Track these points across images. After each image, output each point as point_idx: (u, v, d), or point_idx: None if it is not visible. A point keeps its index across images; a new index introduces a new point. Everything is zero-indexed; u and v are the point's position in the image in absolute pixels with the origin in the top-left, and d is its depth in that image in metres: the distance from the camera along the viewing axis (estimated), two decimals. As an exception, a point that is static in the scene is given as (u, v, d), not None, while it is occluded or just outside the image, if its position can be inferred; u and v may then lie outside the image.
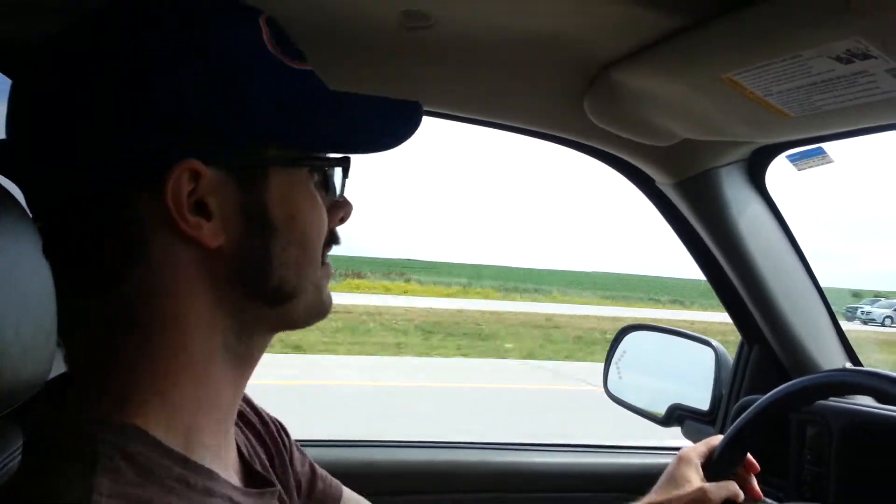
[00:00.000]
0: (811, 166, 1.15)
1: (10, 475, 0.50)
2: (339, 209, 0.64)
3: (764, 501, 0.95)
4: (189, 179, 0.51)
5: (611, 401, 1.67)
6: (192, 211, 0.51)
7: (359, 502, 0.87)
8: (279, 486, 0.65)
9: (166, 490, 0.48)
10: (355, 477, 0.91)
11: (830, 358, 1.30)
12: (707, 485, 0.88)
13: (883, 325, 27.02)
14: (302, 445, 0.83)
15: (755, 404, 0.96)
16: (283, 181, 0.56)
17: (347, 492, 0.85)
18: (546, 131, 1.19)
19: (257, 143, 0.55)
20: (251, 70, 0.54)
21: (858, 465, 1.13)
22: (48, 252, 0.55)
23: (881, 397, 0.86)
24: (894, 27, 0.63)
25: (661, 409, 1.60)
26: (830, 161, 1.13)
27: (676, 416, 1.56)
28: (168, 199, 0.50)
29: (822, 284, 1.32)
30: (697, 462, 0.92)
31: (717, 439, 0.97)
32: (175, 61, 0.51)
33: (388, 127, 0.62)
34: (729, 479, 0.92)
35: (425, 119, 0.68)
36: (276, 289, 0.56)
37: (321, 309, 0.62)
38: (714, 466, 0.93)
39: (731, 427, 0.96)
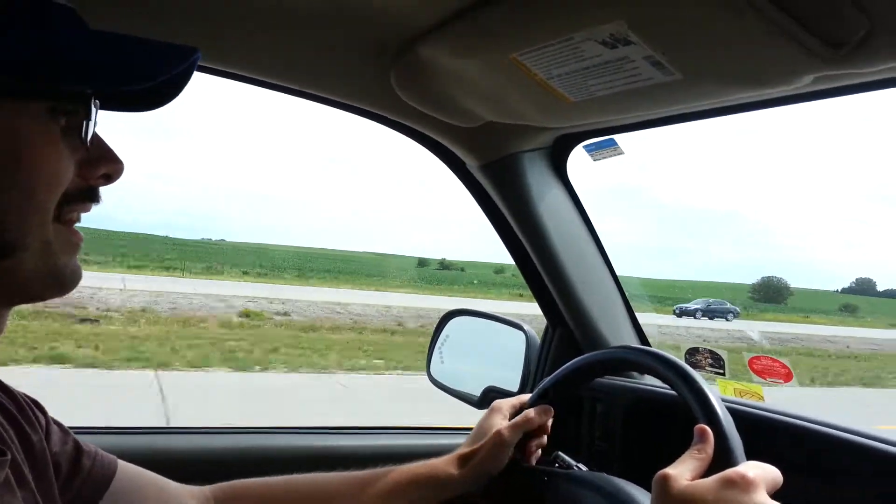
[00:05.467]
0: (605, 157, 1.22)
1: None
2: (101, 164, 0.58)
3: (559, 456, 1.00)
4: None
5: (433, 385, 1.68)
6: None
7: (138, 474, 0.82)
8: (9, 457, 0.59)
9: None
10: (156, 465, 0.87)
11: (622, 339, 1.40)
12: (502, 427, 0.94)
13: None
14: (96, 432, 0.76)
15: (558, 371, 1.01)
16: (4, 114, 0.50)
17: (124, 467, 0.80)
18: (355, 104, 1.17)
19: None
20: None
21: (641, 439, 1.22)
22: None
23: (655, 375, 0.92)
24: (647, 14, 0.67)
25: (478, 392, 1.63)
26: (621, 153, 1.20)
27: (490, 397, 1.60)
28: None
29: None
30: (507, 412, 0.98)
31: (526, 396, 1.03)
32: None
33: (144, 65, 0.57)
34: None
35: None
36: None
37: (57, 276, 0.55)
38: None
39: (535, 391, 1.02)
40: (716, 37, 0.67)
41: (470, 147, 1.23)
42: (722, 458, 0.68)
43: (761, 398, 1.34)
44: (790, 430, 0.99)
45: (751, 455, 0.70)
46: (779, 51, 0.65)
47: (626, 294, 1.43)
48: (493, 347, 1.71)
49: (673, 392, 1.19)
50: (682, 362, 0.86)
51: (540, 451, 1.01)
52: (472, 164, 1.28)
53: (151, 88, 0.58)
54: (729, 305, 35.17)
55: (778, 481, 0.64)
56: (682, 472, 0.65)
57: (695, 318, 30.59)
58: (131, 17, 0.92)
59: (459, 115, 1.08)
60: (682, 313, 31.80)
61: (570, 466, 0.98)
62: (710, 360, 1.40)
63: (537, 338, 1.55)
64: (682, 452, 0.69)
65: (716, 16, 0.63)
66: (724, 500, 0.60)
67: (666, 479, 0.64)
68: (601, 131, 1.19)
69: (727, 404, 1.11)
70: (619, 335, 1.39)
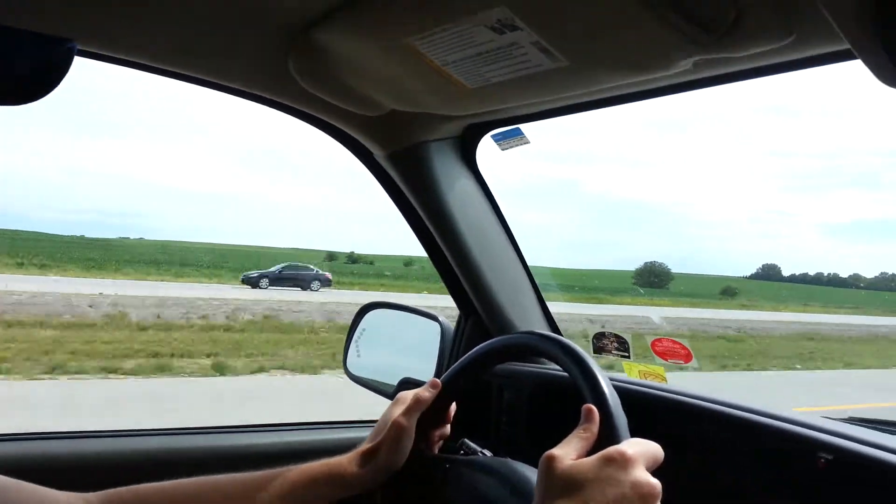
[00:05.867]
0: (512, 146, 1.23)
1: None
2: None
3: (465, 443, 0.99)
4: None
5: (350, 380, 1.66)
6: None
7: (5, 487, 0.77)
8: None
9: None
10: (50, 473, 0.85)
11: (531, 326, 1.42)
12: (399, 418, 0.90)
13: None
14: None
15: (458, 361, 1.01)
16: None
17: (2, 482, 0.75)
18: (256, 92, 1.13)
19: None
20: None
21: (545, 422, 1.24)
22: None
23: (549, 357, 0.92)
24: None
25: (394, 384, 1.62)
26: (527, 142, 1.22)
27: (405, 389, 1.59)
28: None
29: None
30: (410, 403, 0.94)
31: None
32: None
33: (4, 56, 0.52)
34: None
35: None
36: None
37: None
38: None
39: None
40: (595, 22, 0.68)
41: (375, 136, 1.21)
42: (607, 437, 0.69)
43: (664, 379, 1.40)
44: (686, 410, 1.03)
45: (646, 434, 0.72)
46: (656, 36, 0.67)
47: (536, 282, 1.45)
48: (410, 339, 1.71)
49: None
50: (573, 344, 0.87)
51: (442, 440, 1.00)
52: (378, 153, 1.26)
53: (23, 80, 0.54)
54: (317, 272, 30.73)
55: (658, 457, 0.66)
56: (568, 451, 0.66)
57: (260, 287, 27.53)
58: (9, 5, 0.85)
59: (362, 103, 1.07)
60: (246, 281, 28.52)
61: (474, 452, 0.98)
62: (615, 344, 1.45)
63: (452, 328, 1.56)
64: None
65: (594, 2, 0.64)
66: (603, 478, 0.61)
67: (551, 459, 0.65)
68: (508, 120, 1.20)
69: (626, 385, 1.15)
70: (529, 322, 1.41)
